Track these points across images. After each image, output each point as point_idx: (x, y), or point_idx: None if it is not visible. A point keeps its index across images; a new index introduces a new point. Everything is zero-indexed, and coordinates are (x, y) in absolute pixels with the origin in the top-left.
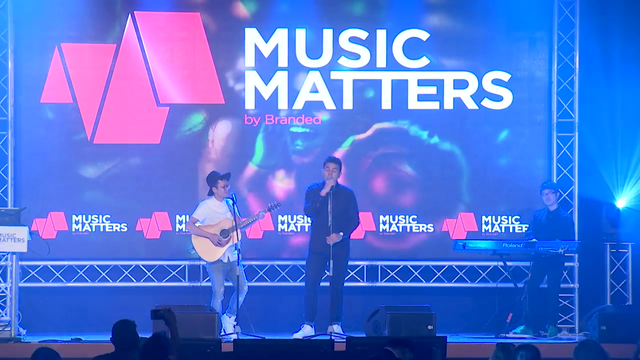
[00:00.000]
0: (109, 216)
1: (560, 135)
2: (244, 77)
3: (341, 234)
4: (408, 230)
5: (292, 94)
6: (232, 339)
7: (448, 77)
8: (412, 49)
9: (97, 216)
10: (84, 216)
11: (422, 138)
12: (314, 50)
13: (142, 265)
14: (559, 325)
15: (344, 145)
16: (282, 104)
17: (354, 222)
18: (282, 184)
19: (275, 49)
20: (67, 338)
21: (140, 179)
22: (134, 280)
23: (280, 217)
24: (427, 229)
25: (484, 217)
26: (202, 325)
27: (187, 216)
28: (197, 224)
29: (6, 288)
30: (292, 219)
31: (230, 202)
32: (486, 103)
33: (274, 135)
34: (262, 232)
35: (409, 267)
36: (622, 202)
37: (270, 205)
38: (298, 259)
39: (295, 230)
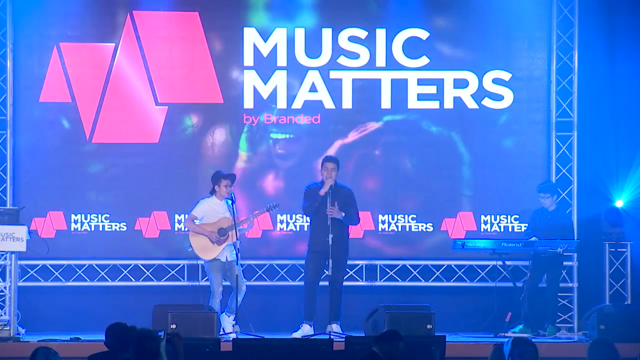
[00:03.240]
0: (108, 215)
1: (559, 134)
2: (242, 76)
3: (342, 213)
4: (407, 229)
5: (291, 94)
6: (231, 338)
7: (448, 77)
8: (412, 48)
9: (96, 215)
10: (83, 215)
11: (422, 138)
12: (313, 50)
13: (141, 265)
14: (557, 325)
15: (342, 144)
16: (281, 103)
17: (353, 220)
18: (279, 183)
19: (274, 49)
20: (66, 337)
21: (139, 178)
22: (133, 280)
23: (279, 217)
24: (426, 228)
25: (483, 217)
26: (201, 324)
27: (186, 215)
28: (195, 222)
29: (5, 287)
30: (291, 219)
31: (229, 202)
32: (487, 102)
33: (273, 134)
34: (261, 231)
35: (408, 266)
36: (621, 201)
37: (270, 205)
38: (297, 258)
39: (294, 229)
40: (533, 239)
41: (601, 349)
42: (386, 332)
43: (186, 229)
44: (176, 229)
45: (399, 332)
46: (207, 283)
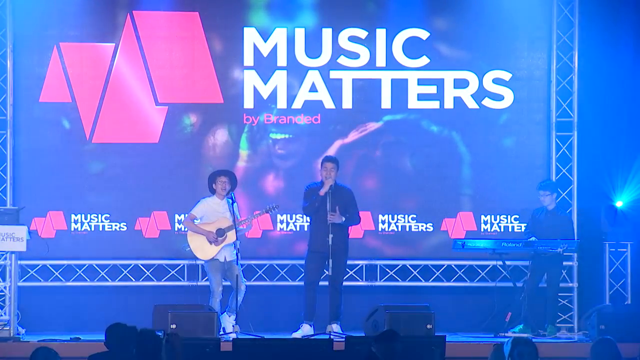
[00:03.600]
0: (108, 215)
1: (559, 134)
2: (243, 76)
3: (343, 218)
4: (407, 229)
5: (291, 94)
6: (231, 338)
7: (448, 77)
8: (412, 48)
9: (96, 215)
10: (83, 215)
11: (422, 138)
12: (313, 50)
13: (141, 265)
14: (557, 325)
15: (342, 144)
16: (281, 103)
17: (354, 220)
18: (279, 183)
19: (275, 48)
20: (66, 337)
21: (139, 178)
22: (133, 280)
23: (279, 217)
24: (426, 228)
25: (483, 217)
26: (201, 324)
27: (186, 215)
28: (195, 221)
29: (5, 287)
30: (291, 219)
31: (230, 201)
32: (487, 102)
33: (273, 134)
34: (261, 231)
35: (408, 266)
36: (621, 201)
37: (269, 206)
38: (297, 258)
39: (294, 229)
40: (532, 238)
41: (604, 349)
42: (383, 333)
43: (185, 229)
44: (176, 229)
45: (396, 332)
46: (207, 283)
